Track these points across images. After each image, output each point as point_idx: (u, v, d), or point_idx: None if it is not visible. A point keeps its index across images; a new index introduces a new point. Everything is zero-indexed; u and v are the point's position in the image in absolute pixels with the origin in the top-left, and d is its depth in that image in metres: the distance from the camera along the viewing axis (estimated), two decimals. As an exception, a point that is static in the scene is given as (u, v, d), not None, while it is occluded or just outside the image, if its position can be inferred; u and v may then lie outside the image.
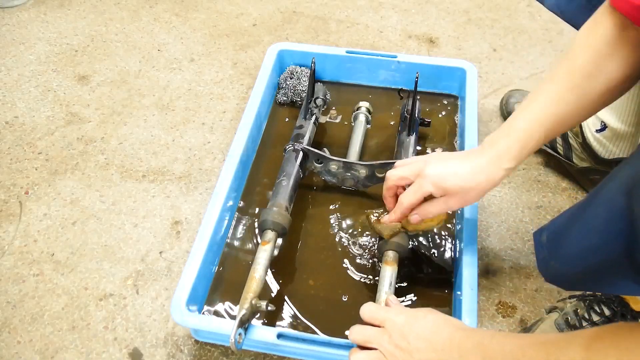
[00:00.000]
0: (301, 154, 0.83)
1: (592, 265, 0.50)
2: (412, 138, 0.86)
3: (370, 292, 0.76)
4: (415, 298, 0.76)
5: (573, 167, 0.91)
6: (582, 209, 0.51)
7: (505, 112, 1.01)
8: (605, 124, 0.83)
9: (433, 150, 0.94)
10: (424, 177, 0.62)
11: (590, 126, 0.85)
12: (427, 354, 0.54)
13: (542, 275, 0.60)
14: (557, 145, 0.91)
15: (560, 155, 0.92)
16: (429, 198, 0.65)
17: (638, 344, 0.37)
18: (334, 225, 0.84)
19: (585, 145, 0.87)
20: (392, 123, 0.97)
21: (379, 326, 0.59)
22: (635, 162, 0.45)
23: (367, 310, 0.61)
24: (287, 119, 0.99)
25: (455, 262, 0.79)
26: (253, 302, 0.65)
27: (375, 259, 0.79)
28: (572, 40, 0.59)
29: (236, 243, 0.82)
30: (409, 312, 0.59)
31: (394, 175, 0.66)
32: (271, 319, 0.73)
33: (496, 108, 1.06)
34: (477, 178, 0.61)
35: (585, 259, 0.50)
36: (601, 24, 0.56)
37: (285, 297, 0.75)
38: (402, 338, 0.56)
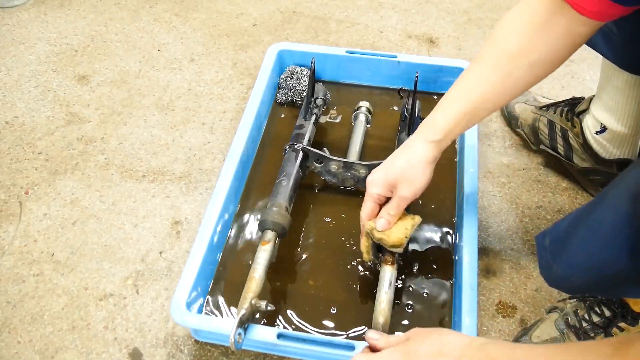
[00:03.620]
0: (301, 154, 0.83)
1: (596, 269, 0.49)
2: (412, 138, 0.86)
3: (370, 292, 0.76)
4: (415, 299, 0.75)
5: (574, 167, 0.91)
6: (586, 213, 0.51)
7: (505, 112, 1.01)
8: (604, 126, 0.83)
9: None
10: (368, 185, 0.67)
11: (590, 128, 0.85)
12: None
13: (544, 279, 0.60)
14: (558, 145, 0.91)
15: (561, 155, 0.92)
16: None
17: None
18: (333, 225, 0.84)
19: (586, 146, 0.86)
20: (392, 123, 0.97)
21: None
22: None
23: None
24: (287, 119, 0.99)
25: (455, 262, 0.79)
26: (253, 302, 0.65)
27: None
28: (501, 21, 0.61)
29: (236, 243, 0.82)
30: (402, 349, 0.54)
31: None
32: (271, 319, 0.73)
33: (496, 108, 1.06)
34: (416, 161, 0.64)
35: (589, 263, 0.50)
36: (532, 7, 0.57)
37: (285, 297, 0.75)
38: None
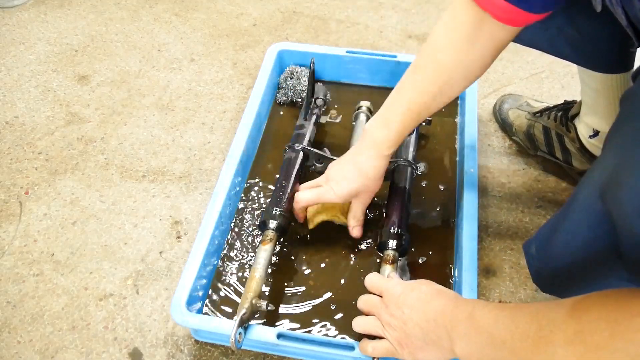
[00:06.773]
0: (301, 154, 0.83)
1: (583, 269, 0.50)
2: (412, 137, 0.86)
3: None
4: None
5: (574, 170, 0.90)
6: (562, 218, 0.52)
7: (500, 118, 1.01)
8: (596, 130, 0.83)
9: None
10: (332, 195, 0.73)
11: (583, 133, 0.86)
12: (419, 323, 0.56)
13: (537, 287, 0.60)
14: (556, 151, 0.91)
15: (559, 160, 0.91)
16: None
17: (627, 316, 0.37)
18: (334, 225, 0.83)
19: (584, 150, 0.86)
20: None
21: (381, 296, 0.62)
22: (603, 166, 0.45)
23: (370, 280, 0.65)
24: (287, 119, 0.99)
25: (455, 262, 0.79)
26: (253, 301, 0.65)
27: (376, 259, 0.79)
28: (434, 31, 0.64)
29: (236, 243, 0.82)
30: (406, 284, 0.62)
31: (303, 199, 0.75)
32: (271, 319, 0.73)
33: (496, 108, 1.06)
34: (373, 175, 0.72)
35: (575, 264, 0.50)
36: (460, 18, 0.61)
37: (286, 297, 0.75)
38: (397, 307, 0.58)
